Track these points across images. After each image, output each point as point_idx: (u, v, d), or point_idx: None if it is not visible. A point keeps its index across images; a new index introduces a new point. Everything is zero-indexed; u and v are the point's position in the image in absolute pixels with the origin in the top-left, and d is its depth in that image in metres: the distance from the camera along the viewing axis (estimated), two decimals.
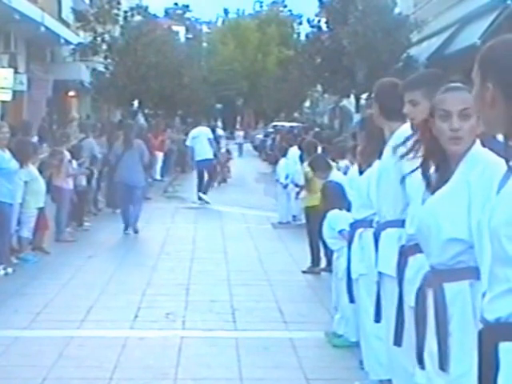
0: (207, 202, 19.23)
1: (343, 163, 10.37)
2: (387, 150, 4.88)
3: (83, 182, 14.56)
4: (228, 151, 29.42)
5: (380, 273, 4.91)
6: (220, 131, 31.51)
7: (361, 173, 5.98)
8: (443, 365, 3.21)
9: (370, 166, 5.65)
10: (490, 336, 2.45)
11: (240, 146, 45.88)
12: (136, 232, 14.26)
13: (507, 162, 2.45)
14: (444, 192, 3.23)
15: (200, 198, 19.38)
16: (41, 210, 11.47)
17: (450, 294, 3.24)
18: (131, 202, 14.30)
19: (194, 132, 20.56)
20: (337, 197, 7.32)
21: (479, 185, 3.14)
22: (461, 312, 3.18)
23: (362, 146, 5.94)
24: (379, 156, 5.09)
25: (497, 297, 2.42)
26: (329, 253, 9.22)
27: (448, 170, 3.27)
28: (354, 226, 6.01)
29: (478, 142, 3.24)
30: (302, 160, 15.33)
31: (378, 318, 5.11)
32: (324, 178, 8.97)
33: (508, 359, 2.39)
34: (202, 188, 19.51)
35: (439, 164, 3.31)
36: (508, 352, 2.39)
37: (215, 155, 20.76)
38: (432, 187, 3.30)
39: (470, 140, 3.26)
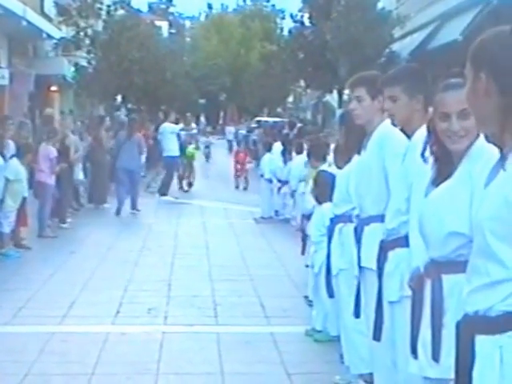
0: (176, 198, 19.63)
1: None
2: (370, 145, 4.87)
3: (80, 175, 15.21)
4: (245, 152, 24.64)
5: (361, 267, 4.91)
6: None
7: (339, 168, 5.97)
8: (436, 355, 3.24)
9: (349, 160, 5.65)
10: (468, 328, 2.48)
11: (230, 142, 40.63)
12: (138, 210, 16.36)
13: (500, 154, 2.45)
14: (447, 186, 3.24)
15: (162, 195, 19.62)
16: (21, 205, 11.41)
17: (448, 286, 3.24)
18: (128, 185, 16.39)
19: (161, 127, 21.11)
20: (329, 187, 7.29)
21: (481, 179, 3.15)
22: (457, 304, 3.20)
23: (341, 141, 5.95)
24: (359, 151, 5.10)
25: (476, 290, 2.44)
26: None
27: (451, 164, 3.29)
28: (334, 221, 6.03)
29: (481, 136, 3.24)
30: (284, 155, 15.36)
31: (357, 314, 5.13)
32: (316, 168, 8.90)
33: (483, 352, 2.41)
34: (161, 189, 19.63)
35: (443, 159, 3.33)
36: (484, 345, 2.42)
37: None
38: (435, 181, 3.32)
39: (472, 136, 3.25)
